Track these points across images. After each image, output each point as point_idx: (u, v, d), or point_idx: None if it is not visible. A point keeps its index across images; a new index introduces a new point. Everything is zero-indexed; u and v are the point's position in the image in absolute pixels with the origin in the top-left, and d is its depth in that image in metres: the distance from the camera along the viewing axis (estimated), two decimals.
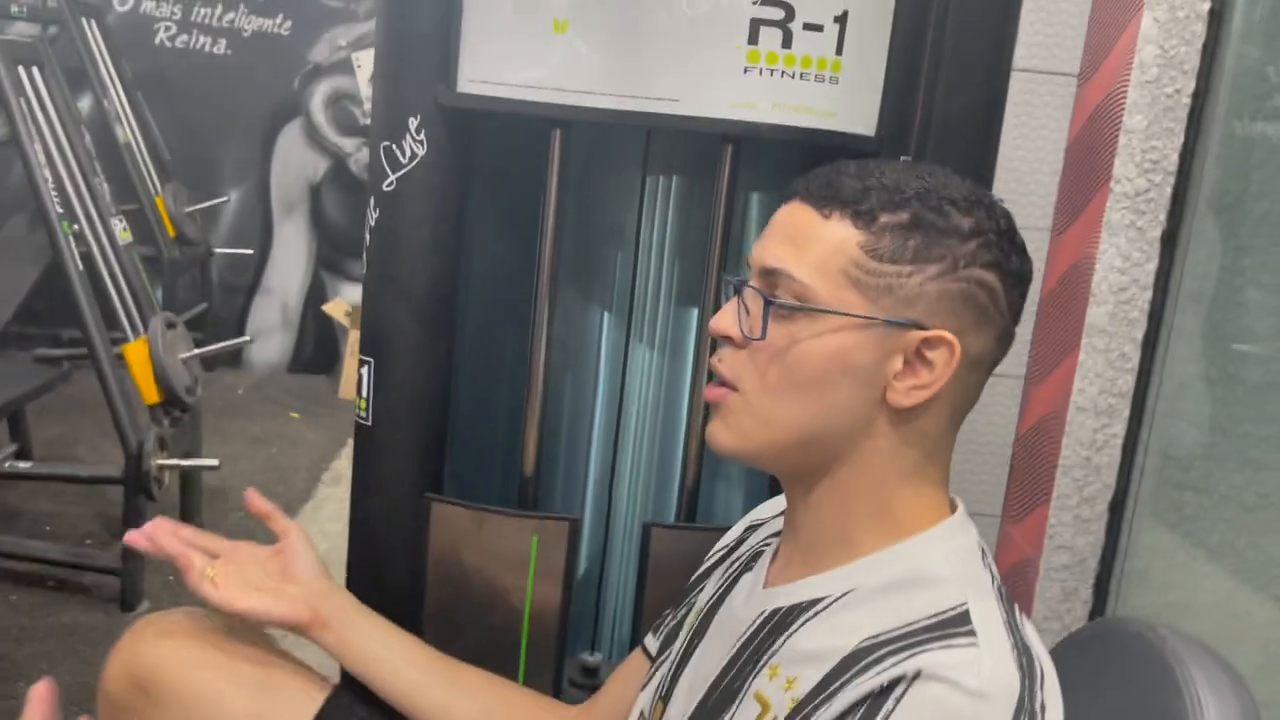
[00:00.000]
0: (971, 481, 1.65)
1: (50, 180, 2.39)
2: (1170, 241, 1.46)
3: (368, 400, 1.19)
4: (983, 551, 0.77)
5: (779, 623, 0.77)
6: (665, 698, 0.88)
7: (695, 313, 1.26)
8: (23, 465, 2.58)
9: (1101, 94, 1.47)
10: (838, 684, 0.67)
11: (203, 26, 3.97)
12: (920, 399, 0.73)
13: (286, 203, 4.19)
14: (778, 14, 1.05)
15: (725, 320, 0.78)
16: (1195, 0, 1.39)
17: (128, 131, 3.66)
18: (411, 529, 1.19)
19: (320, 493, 3.12)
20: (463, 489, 1.25)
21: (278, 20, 3.98)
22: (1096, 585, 1.54)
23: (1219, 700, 0.72)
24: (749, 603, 0.83)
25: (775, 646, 0.76)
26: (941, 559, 0.74)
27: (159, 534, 0.99)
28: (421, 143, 1.11)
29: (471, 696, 1.01)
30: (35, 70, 2.48)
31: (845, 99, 1.10)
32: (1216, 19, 1.41)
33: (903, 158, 1.14)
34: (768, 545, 0.88)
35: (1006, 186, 1.64)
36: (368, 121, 3.94)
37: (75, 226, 2.46)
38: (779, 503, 0.90)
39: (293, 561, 1.03)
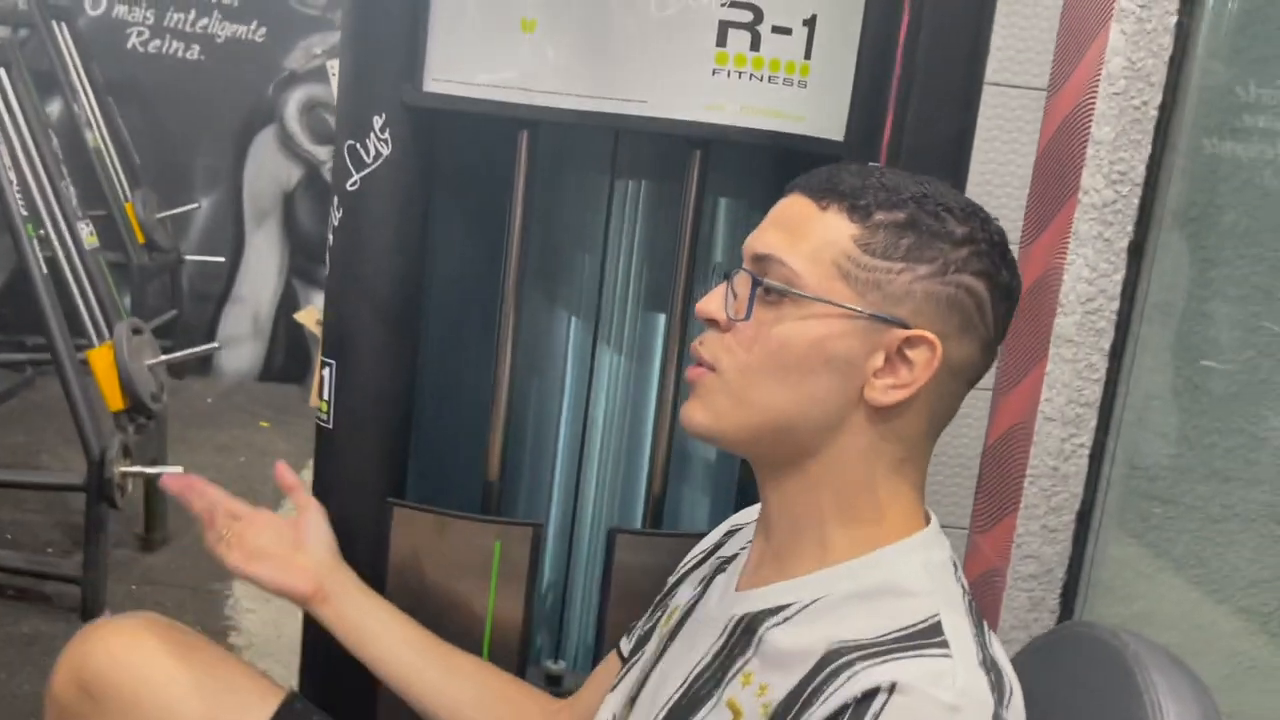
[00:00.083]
0: (941, 494, 1.64)
1: (15, 183, 2.36)
2: (1137, 253, 1.47)
3: (329, 402, 1.18)
4: (955, 565, 0.77)
5: (748, 627, 0.77)
6: (634, 700, 0.87)
7: (663, 318, 1.25)
8: None
9: (1070, 105, 1.48)
10: (810, 692, 0.67)
11: (175, 32, 3.94)
12: (898, 398, 0.73)
13: (259, 210, 4.16)
14: (746, 16, 1.05)
15: (712, 303, 0.79)
16: (1163, 13, 1.40)
17: (97, 136, 3.62)
18: (372, 534, 1.17)
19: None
20: (425, 494, 1.24)
21: (252, 27, 3.96)
22: (1063, 595, 1.54)
23: (1179, 705, 0.72)
24: (721, 605, 0.83)
25: (747, 653, 0.75)
26: (914, 571, 0.74)
27: (192, 488, 1.06)
28: (386, 142, 1.10)
29: (465, 680, 1.02)
30: (2, 72, 2.45)
31: (814, 103, 1.10)
32: (1184, 32, 1.42)
33: (870, 164, 1.14)
34: (744, 549, 0.88)
35: (977, 199, 1.65)
36: None
37: (41, 231, 2.43)
38: (759, 509, 0.90)
39: (306, 534, 1.08)
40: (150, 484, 2.64)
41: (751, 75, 1.07)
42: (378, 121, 1.10)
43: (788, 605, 0.75)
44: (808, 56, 1.08)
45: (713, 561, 0.92)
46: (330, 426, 1.18)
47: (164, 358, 2.59)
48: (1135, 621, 1.50)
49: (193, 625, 2.30)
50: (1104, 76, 1.42)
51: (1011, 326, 0.79)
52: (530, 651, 1.23)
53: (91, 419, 2.27)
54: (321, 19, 3.98)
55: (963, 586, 0.75)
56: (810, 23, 1.07)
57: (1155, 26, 1.41)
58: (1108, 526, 1.52)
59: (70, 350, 2.30)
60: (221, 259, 4.14)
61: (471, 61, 1.08)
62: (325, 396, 1.18)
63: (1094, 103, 1.43)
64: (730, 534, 0.95)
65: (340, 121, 1.14)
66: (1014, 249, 1.60)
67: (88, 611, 2.26)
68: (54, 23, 3.61)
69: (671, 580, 0.97)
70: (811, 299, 0.73)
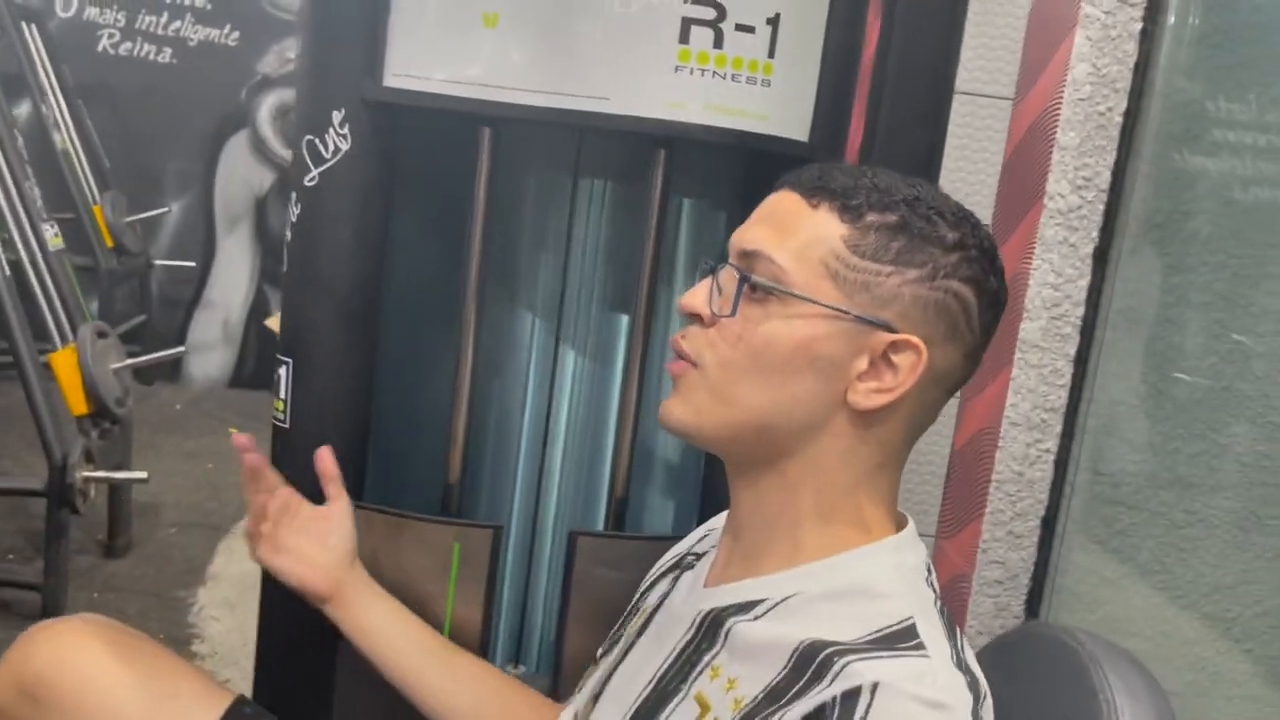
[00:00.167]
0: (909, 500, 1.64)
1: None
2: (1102, 258, 1.47)
3: (286, 402, 1.16)
4: (929, 570, 0.76)
5: (716, 621, 0.76)
6: (597, 696, 0.87)
7: (626, 319, 1.24)
8: None
9: (1037, 111, 1.48)
10: (791, 693, 0.66)
11: (147, 35, 3.92)
12: (880, 403, 0.72)
13: (230, 215, 4.13)
14: (709, 14, 1.04)
15: (696, 298, 0.78)
16: (1128, 19, 1.41)
17: (66, 139, 3.59)
18: None
19: (239, 525, 3.05)
20: (384, 495, 1.22)
21: (225, 30, 3.94)
22: (1029, 600, 1.53)
23: (1134, 703, 0.72)
24: (688, 601, 0.82)
25: (715, 647, 0.74)
26: (887, 573, 0.73)
27: (259, 477, 1.08)
28: (345, 137, 1.09)
29: (468, 685, 1.02)
30: None
31: (777, 102, 1.10)
32: (1148, 39, 1.42)
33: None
34: (714, 548, 0.87)
35: None
36: None
37: (5, 234, 2.40)
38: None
39: (332, 530, 1.07)
40: (114, 489, 2.60)
41: (715, 73, 1.06)
42: (337, 116, 1.08)
43: (759, 602, 0.74)
44: (771, 55, 1.07)
45: (685, 563, 0.91)
46: (287, 426, 1.16)
47: (129, 361, 2.56)
48: (1100, 627, 1.49)
49: (156, 633, 2.27)
50: (1069, 82, 1.42)
51: None
52: (490, 654, 1.21)
53: (53, 423, 2.24)
54: (295, 23, 3.97)
55: (935, 590, 0.74)
56: (774, 21, 1.06)
57: (1120, 33, 1.41)
58: (1072, 532, 1.52)
59: (33, 353, 2.27)
60: (192, 264, 4.11)
61: (433, 57, 1.07)
62: (282, 396, 1.16)
63: (1060, 108, 1.43)
64: (704, 539, 0.95)
65: (298, 116, 1.13)
66: None
67: (47, 618, 2.22)
68: (24, 24, 3.58)
69: (644, 585, 0.96)
70: (799, 298, 0.72)
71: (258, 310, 4.19)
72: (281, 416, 1.16)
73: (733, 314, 0.74)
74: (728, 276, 0.76)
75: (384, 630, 1.04)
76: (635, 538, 1.21)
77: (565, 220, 1.22)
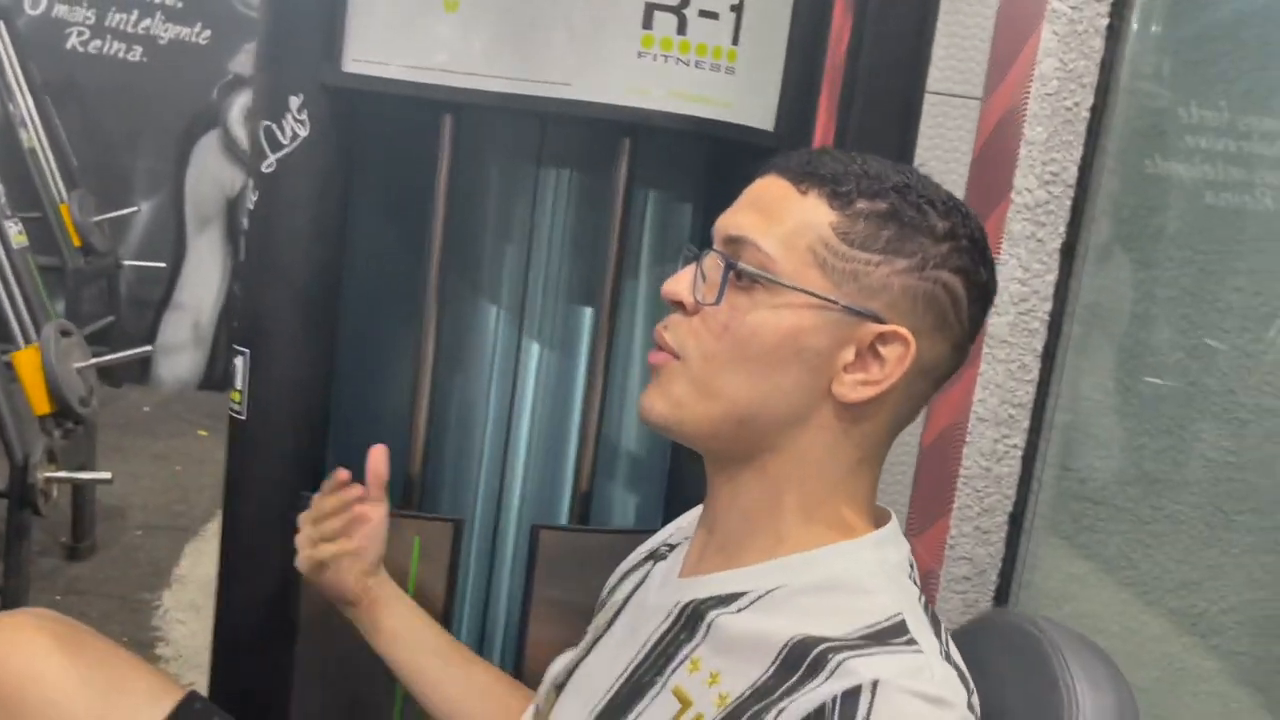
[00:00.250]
0: (879, 497, 1.63)
1: None
2: (1069, 253, 1.47)
3: (243, 393, 1.14)
4: (911, 566, 0.75)
5: (696, 613, 0.74)
6: (560, 686, 0.85)
7: (590, 311, 1.23)
8: None
9: (1005, 106, 1.48)
10: (781, 690, 0.64)
11: (117, 33, 3.88)
12: (866, 395, 0.71)
13: (201, 216, 4.09)
14: None
15: (680, 285, 0.75)
16: (1094, 15, 1.41)
17: (33, 136, 3.55)
18: (287, 529, 1.13)
19: (211, 528, 3.01)
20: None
21: (195, 29, 3.90)
22: (996, 596, 1.53)
23: (1094, 689, 0.71)
24: (663, 592, 0.80)
25: (695, 640, 0.73)
26: (871, 568, 0.72)
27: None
28: (304, 123, 1.07)
29: (479, 696, 1.01)
30: None
31: (742, 90, 1.09)
32: (1115, 34, 1.43)
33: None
34: (687, 540, 0.85)
35: None
36: None
37: None
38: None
39: (369, 535, 1.04)
40: (78, 491, 2.56)
41: (678, 60, 1.05)
42: (295, 102, 1.07)
43: (741, 594, 0.72)
44: (735, 42, 1.06)
45: (660, 552, 0.90)
46: (244, 418, 1.14)
47: (93, 361, 2.52)
48: (1067, 623, 1.49)
49: (120, 636, 2.22)
50: (1037, 77, 1.42)
51: None
52: None
53: (15, 422, 2.20)
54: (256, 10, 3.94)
55: (917, 586, 0.73)
56: (738, 8, 1.06)
57: (1086, 28, 1.41)
58: (1040, 528, 1.52)
59: None
60: (162, 264, 4.06)
61: (393, 42, 1.05)
62: (239, 386, 1.14)
63: (1027, 103, 1.44)
64: (675, 532, 0.93)
65: (256, 101, 1.11)
66: None
67: None
68: None
69: (613, 579, 0.94)
70: (787, 287, 0.70)
71: (229, 312, 4.15)
72: (239, 408, 1.14)
73: (718, 302, 0.72)
74: (712, 263, 0.74)
75: (405, 637, 1.03)
76: (599, 531, 1.19)
77: (529, 210, 1.21)
